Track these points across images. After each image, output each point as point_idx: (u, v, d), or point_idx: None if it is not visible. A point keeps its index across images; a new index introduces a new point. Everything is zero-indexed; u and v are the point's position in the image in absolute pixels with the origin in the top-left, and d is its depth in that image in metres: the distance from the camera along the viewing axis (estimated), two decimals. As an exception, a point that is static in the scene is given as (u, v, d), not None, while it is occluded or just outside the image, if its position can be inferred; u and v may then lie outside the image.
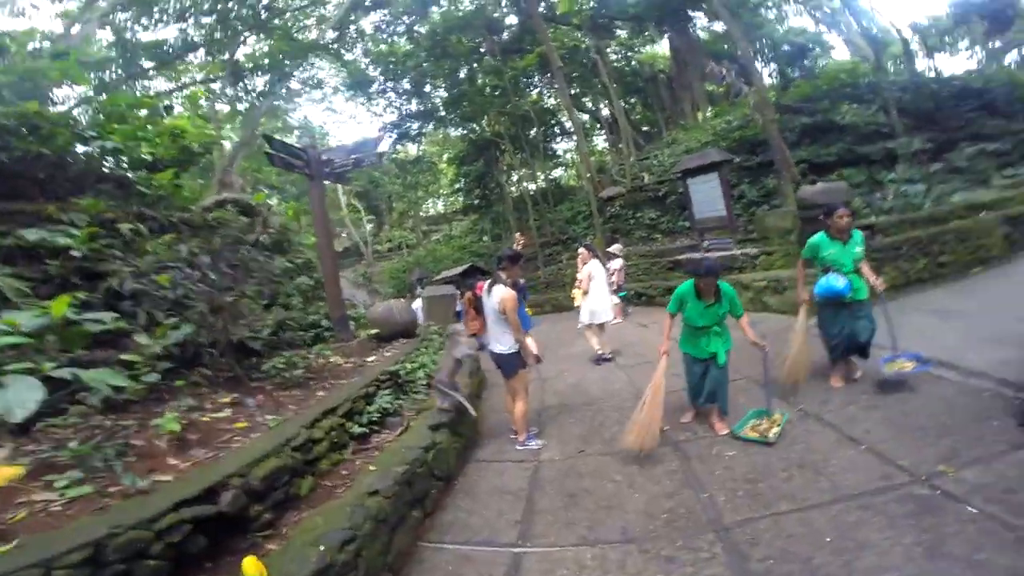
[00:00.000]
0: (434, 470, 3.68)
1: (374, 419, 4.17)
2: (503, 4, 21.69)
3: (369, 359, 5.45)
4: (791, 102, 15.58)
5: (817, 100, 15.25)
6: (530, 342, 4.52)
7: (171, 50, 17.34)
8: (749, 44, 22.89)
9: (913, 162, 11.73)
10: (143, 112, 7.87)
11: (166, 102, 8.36)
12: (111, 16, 15.75)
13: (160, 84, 19.55)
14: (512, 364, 4.35)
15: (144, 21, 16.26)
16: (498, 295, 4.23)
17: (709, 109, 23.05)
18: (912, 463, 3.12)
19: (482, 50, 20.60)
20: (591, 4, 21.36)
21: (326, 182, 5.98)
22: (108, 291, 4.22)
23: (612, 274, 9.61)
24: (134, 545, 2.03)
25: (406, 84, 20.91)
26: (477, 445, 4.73)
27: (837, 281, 4.24)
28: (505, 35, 21.75)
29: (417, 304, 13.53)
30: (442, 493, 3.76)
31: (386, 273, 26.31)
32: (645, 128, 27.32)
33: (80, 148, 6.82)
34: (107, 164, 7.29)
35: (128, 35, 16.42)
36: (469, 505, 3.65)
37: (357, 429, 3.94)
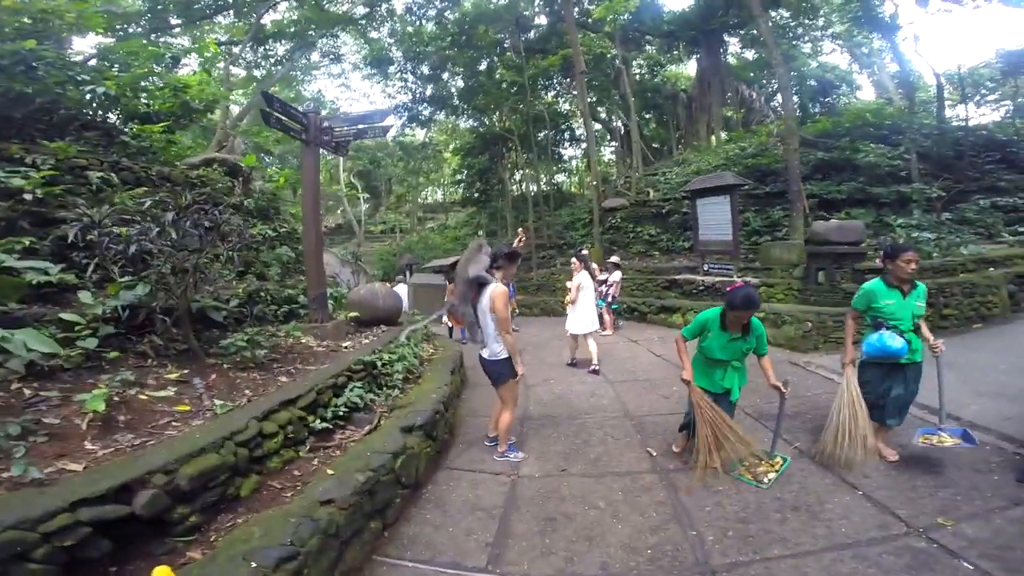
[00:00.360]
0: (401, 477, 3.29)
1: (341, 414, 3.75)
2: (536, 2, 21.45)
3: (344, 344, 5.03)
4: (809, 136, 15.45)
5: (837, 137, 15.12)
6: None
7: (203, 8, 16.84)
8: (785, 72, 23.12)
9: (926, 209, 11.57)
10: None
11: (170, 54, 7.77)
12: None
13: (187, 43, 19.08)
14: (502, 372, 3.95)
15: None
16: (489, 292, 3.84)
17: (723, 134, 22.96)
18: (910, 514, 3.05)
19: (506, 44, 20.31)
20: (627, 16, 21.15)
21: (324, 151, 5.54)
22: (59, 240, 3.76)
23: (611, 286, 9.30)
24: (10, 547, 1.63)
25: (425, 68, 20.46)
26: (452, 449, 4.35)
27: (894, 340, 3.46)
28: (532, 34, 21.54)
29: (403, 290, 13.11)
30: (407, 502, 3.37)
31: (376, 254, 25.87)
32: (655, 145, 27.18)
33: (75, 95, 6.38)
34: (97, 112, 6.86)
35: None
36: (437, 519, 3.26)
37: (319, 424, 3.52)
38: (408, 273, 16.63)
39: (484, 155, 22.72)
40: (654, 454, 4.14)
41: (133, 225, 3.87)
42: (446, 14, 20.13)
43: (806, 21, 21.05)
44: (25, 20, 6.28)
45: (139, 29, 15.64)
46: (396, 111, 21.23)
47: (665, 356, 7.46)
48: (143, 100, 6.78)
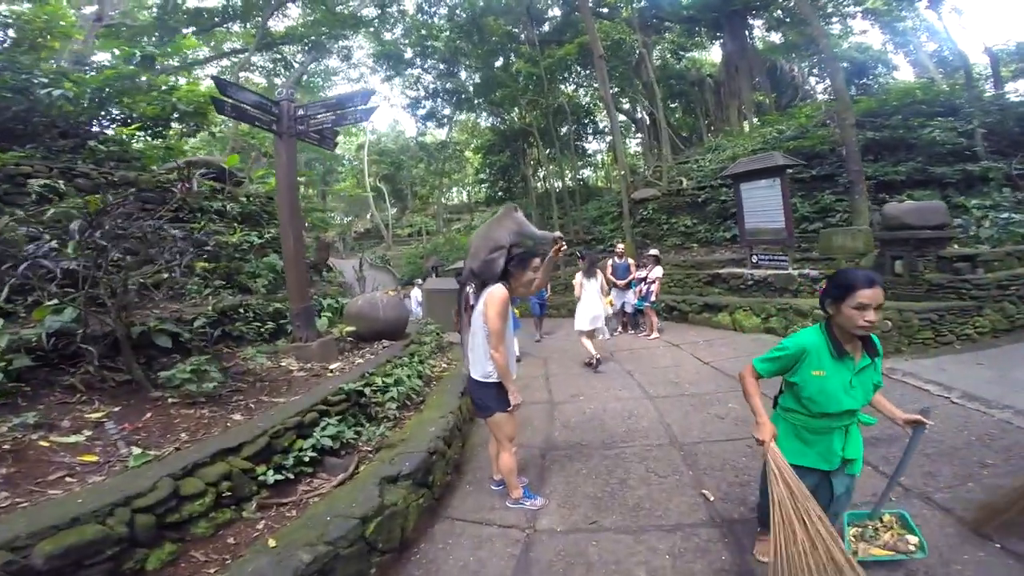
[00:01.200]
0: (377, 543, 2.48)
1: (307, 459, 2.96)
2: None
3: (332, 367, 4.26)
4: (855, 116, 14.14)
5: (885, 116, 13.81)
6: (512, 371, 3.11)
7: (211, 16, 16.69)
8: (812, 53, 21.74)
9: (1003, 187, 10.16)
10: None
11: (142, 53, 7.22)
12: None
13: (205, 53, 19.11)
14: (490, 401, 3.03)
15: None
16: (486, 293, 2.96)
17: (755, 119, 21.67)
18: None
19: (521, 38, 19.60)
20: (643, 2, 20.17)
21: (308, 143, 4.81)
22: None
23: (652, 282, 8.30)
24: None
25: (436, 63, 19.92)
26: (457, 491, 3.51)
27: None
28: (546, 27, 20.85)
29: (415, 295, 12.29)
30: (388, 569, 2.56)
31: (404, 258, 25.64)
32: (683, 134, 25.92)
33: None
34: (79, 117, 6.35)
35: None
36: (423, 598, 2.45)
37: (272, 477, 2.74)
38: (434, 274, 15.99)
39: (505, 152, 22.00)
40: (711, 498, 3.22)
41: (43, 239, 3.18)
42: (458, 12, 19.56)
43: (839, -1, 19.69)
44: None
45: (152, 39, 15.48)
46: (410, 107, 20.74)
47: (714, 363, 6.45)
48: (125, 103, 6.23)
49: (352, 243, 31.71)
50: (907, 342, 5.96)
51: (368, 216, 34.97)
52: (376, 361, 4.45)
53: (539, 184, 23.90)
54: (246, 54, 17.69)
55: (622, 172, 15.71)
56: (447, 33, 19.04)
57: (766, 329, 7.86)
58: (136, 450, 2.54)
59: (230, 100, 4.04)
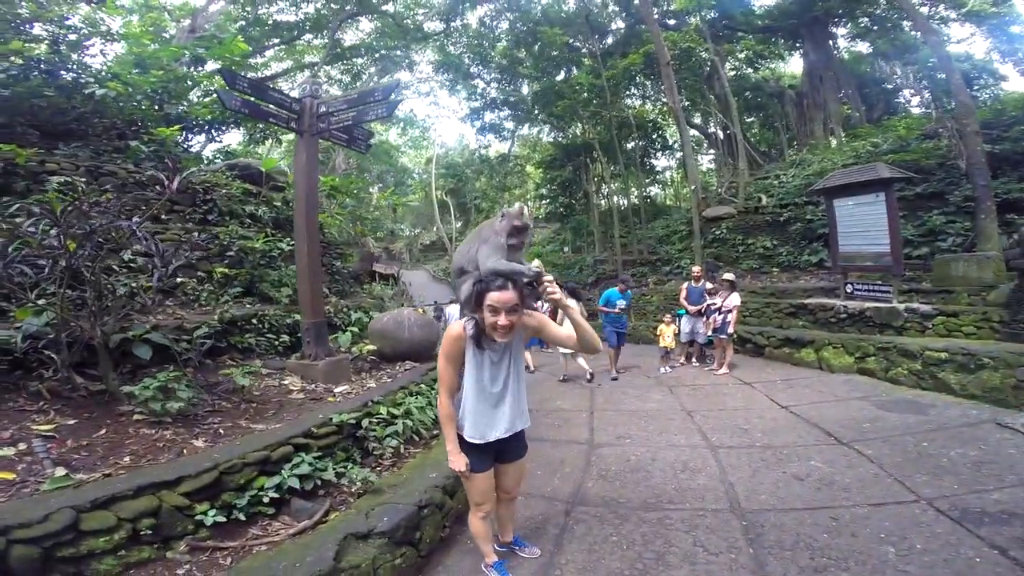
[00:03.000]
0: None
1: (266, 499, 2.46)
2: (610, 8, 20.29)
3: (338, 389, 3.78)
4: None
5: (1003, 128, 11.99)
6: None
7: (290, 29, 17.67)
8: (906, 62, 19.70)
9: None
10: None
11: (190, 54, 7.31)
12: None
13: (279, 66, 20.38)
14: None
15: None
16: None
17: (843, 133, 19.84)
18: None
19: (583, 50, 19.21)
20: (712, 14, 19.18)
21: (332, 143, 4.47)
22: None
23: (728, 311, 7.26)
24: None
25: (495, 72, 19.97)
26: (453, 548, 2.86)
27: None
28: (610, 39, 20.36)
29: (452, 311, 11.88)
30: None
31: (466, 271, 25.70)
32: (762, 149, 24.24)
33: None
34: (132, 117, 6.48)
35: (260, 11, 16.86)
36: None
37: (211, 518, 2.27)
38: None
39: (567, 167, 21.43)
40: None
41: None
42: (517, 24, 19.49)
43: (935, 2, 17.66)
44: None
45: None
46: (470, 118, 20.85)
47: (794, 408, 5.40)
48: (175, 104, 6.29)
49: (418, 255, 32.27)
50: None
51: (434, 228, 35.63)
52: (389, 387, 3.92)
53: (602, 201, 23.12)
54: (318, 65, 18.48)
55: (693, 187, 14.63)
56: (503, 43, 18.98)
57: (860, 370, 6.63)
58: (60, 471, 2.24)
59: (242, 95, 3.74)
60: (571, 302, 5.35)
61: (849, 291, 8.04)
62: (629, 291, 7.97)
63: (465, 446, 2.28)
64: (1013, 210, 10.16)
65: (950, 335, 6.24)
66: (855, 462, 3.86)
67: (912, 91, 22.80)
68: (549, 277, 2.09)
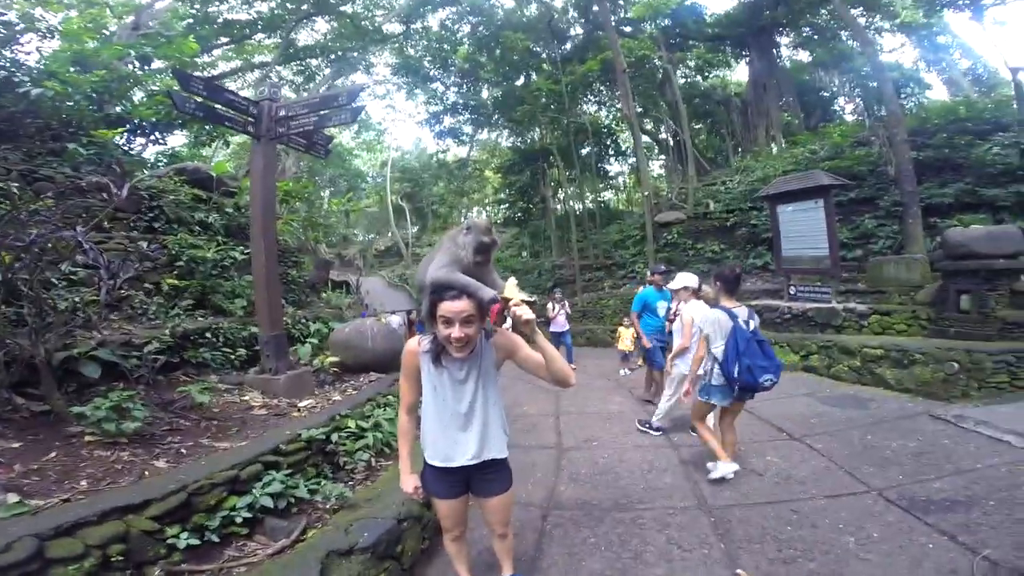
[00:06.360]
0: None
1: (239, 520, 2.37)
2: (570, 13, 20.60)
3: (302, 403, 3.67)
4: (890, 136, 13.32)
5: (927, 135, 12.98)
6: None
7: (242, 28, 16.93)
8: (843, 71, 21.06)
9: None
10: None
11: (136, 52, 6.88)
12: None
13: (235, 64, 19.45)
14: None
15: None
16: None
17: (783, 140, 20.97)
18: None
19: (543, 56, 19.44)
20: (667, 22, 19.87)
21: (295, 148, 4.33)
22: None
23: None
24: None
25: (456, 77, 19.87)
26: (434, 559, 2.84)
27: None
28: (568, 45, 20.68)
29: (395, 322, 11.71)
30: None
31: (423, 276, 25.35)
32: (709, 155, 25.25)
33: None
34: (71, 119, 6.05)
35: (210, 9, 16.03)
36: None
37: (184, 541, 2.18)
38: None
39: (524, 172, 21.60)
40: (749, 580, 2.52)
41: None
42: (480, 29, 19.54)
43: (871, 13, 18.99)
44: None
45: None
46: (429, 122, 20.64)
47: (748, 407, 5.63)
48: (116, 104, 5.91)
49: (373, 261, 31.60)
50: (977, 386, 5.12)
51: (389, 234, 34.99)
52: (356, 399, 3.85)
53: (559, 206, 23.42)
54: (269, 65, 17.83)
55: (646, 193, 15.07)
56: (465, 46, 18.92)
57: (805, 368, 7.04)
58: (13, 498, 2.09)
59: (195, 97, 3.57)
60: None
61: (792, 293, 8.50)
62: (667, 289, 5.68)
63: (428, 469, 2.15)
64: (936, 213, 10.98)
65: (884, 332, 6.71)
66: (807, 456, 4.10)
67: (846, 99, 24.48)
68: (522, 297, 1.87)
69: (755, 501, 3.43)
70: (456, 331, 1.85)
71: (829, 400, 5.61)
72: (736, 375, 3.44)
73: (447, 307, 1.86)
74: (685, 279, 4.95)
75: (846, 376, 6.38)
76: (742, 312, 3.62)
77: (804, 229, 8.18)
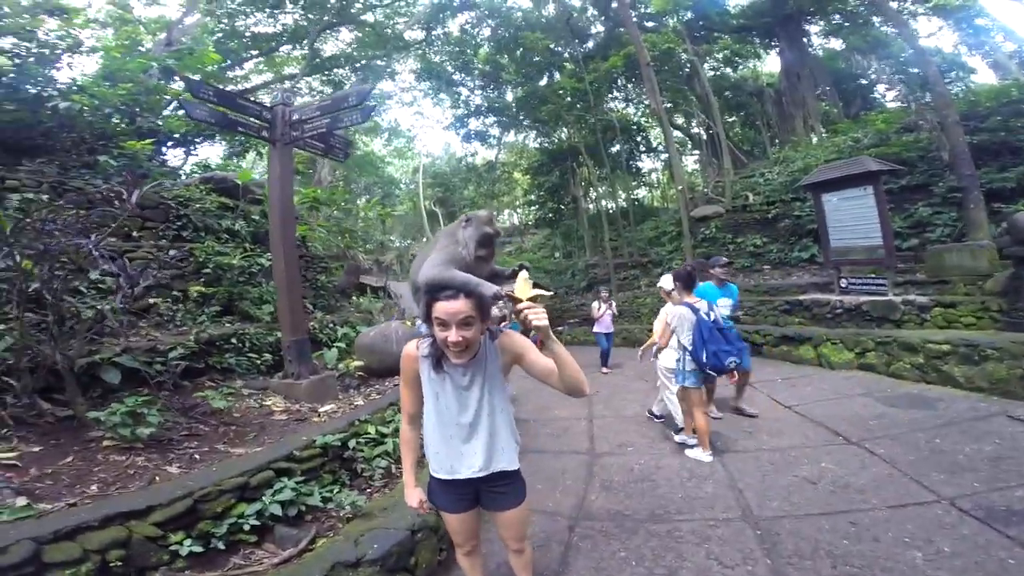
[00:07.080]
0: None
1: (247, 527, 2.27)
2: (589, 12, 20.37)
3: (323, 408, 3.58)
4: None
5: (978, 119, 12.13)
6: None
7: (268, 40, 17.46)
8: (880, 57, 20.01)
9: None
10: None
11: (159, 64, 7.01)
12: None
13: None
14: None
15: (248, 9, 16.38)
16: None
17: (823, 130, 20.07)
18: None
19: (565, 55, 19.27)
20: (688, 15, 19.40)
21: (308, 152, 4.28)
22: None
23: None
24: None
25: (481, 81, 19.89)
26: (452, 571, 2.66)
27: None
28: (590, 43, 20.45)
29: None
30: None
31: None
32: (744, 148, 24.43)
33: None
34: (103, 131, 6.24)
35: (237, 23, 16.60)
36: None
37: (187, 548, 2.13)
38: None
39: (553, 172, 21.39)
40: None
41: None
42: (499, 31, 19.52)
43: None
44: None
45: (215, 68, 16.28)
46: (455, 126, 20.76)
47: (799, 408, 5.27)
48: (147, 117, 6.06)
49: (409, 266, 31.91)
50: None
51: (423, 239, 35.41)
52: (378, 403, 3.74)
53: (591, 205, 23.08)
54: (297, 76, 18.27)
55: (679, 188, 14.62)
56: (485, 49, 18.85)
57: (861, 366, 6.54)
58: (22, 501, 2.11)
59: (207, 104, 3.54)
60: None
61: (844, 286, 7.97)
62: (733, 284, 5.49)
63: (434, 481, 1.99)
64: (998, 199, 10.23)
65: (949, 326, 6.17)
66: (867, 462, 3.73)
67: (887, 86, 23.23)
68: (535, 294, 1.67)
69: (807, 512, 3.12)
70: (453, 334, 1.67)
71: (890, 400, 5.16)
72: (704, 360, 4.02)
73: (442, 308, 1.68)
74: (662, 281, 5.23)
75: (908, 374, 5.88)
76: (703, 305, 4.22)
77: (853, 218, 7.69)
